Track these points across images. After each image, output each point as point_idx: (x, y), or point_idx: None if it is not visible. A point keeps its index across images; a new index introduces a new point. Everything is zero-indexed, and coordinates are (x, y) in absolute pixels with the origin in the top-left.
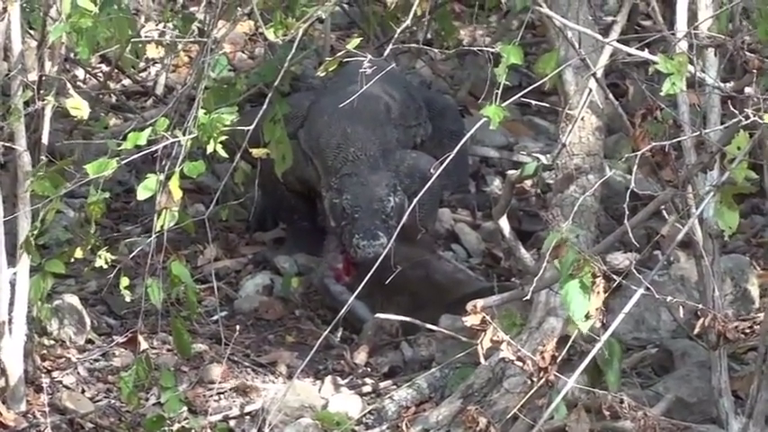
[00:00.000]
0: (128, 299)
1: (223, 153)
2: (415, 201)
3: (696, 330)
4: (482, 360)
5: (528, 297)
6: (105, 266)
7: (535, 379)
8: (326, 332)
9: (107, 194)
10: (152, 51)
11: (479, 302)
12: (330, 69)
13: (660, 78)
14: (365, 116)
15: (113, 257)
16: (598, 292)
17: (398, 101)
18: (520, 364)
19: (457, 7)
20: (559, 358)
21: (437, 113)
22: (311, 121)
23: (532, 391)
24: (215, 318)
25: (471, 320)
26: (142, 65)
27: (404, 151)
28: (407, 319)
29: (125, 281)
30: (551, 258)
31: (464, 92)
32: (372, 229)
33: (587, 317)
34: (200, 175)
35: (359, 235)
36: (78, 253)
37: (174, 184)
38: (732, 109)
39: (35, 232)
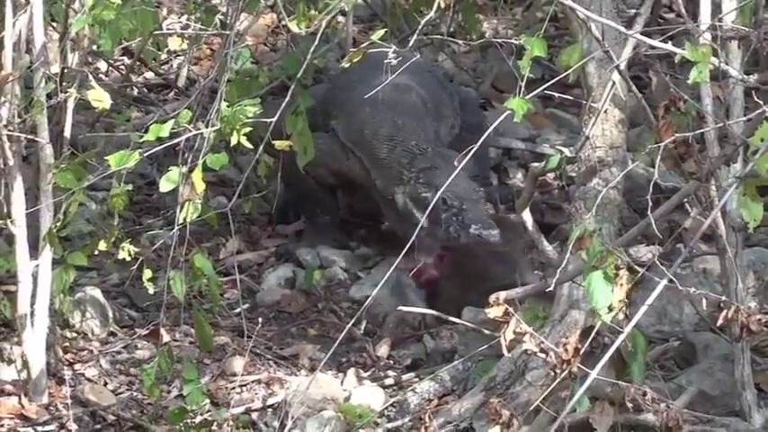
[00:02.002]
0: (151, 291)
1: (247, 144)
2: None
3: (719, 323)
4: (505, 352)
5: (551, 289)
6: (128, 259)
7: (558, 371)
8: (349, 325)
9: (129, 187)
10: (174, 44)
11: (502, 294)
12: (354, 61)
13: (683, 70)
14: (407, 108)
15: (136, 250)
16: (621, 284)
17: (432, 92)
18: (543, 356)
19: (480, 0)
20: (582, 350)
21: (461, 106)
22: (350, 114)
23: (555, 384)
24: (237, 310)
25: (494, 312)
26: (164, 57)
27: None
28: (430, 311)
29: (148, 273)
30: (575, 250)
31: (487, 84)
32: (485, 219)
33: (610, 308)
34: (223, 168)
35: (476, 225)
36: (102, 246)
37: (198, 176)
38: (757, 100)
39: (58, 225)
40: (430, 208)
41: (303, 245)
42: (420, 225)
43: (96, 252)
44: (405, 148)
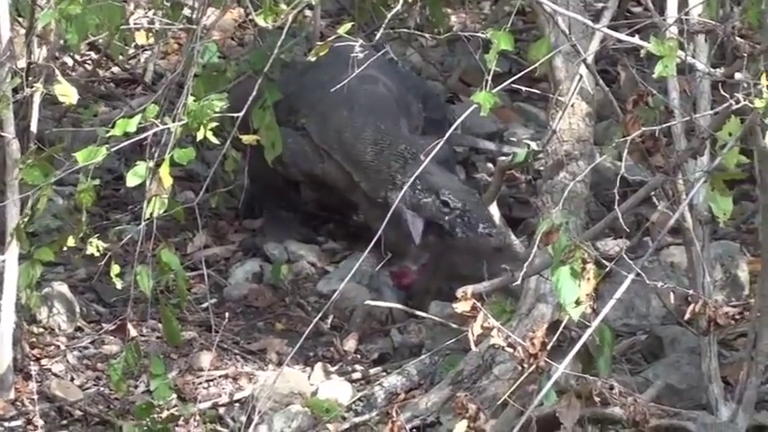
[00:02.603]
0: (119, 286)
1: (214, 140)
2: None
3: (687, 316)
4: (473, 346)
5: (518, 283)
6: (96, 254)
7: (525, 365)
8: (316, 319)
9: (97, 182)
10: (141, 38)
11: (469, 288)
12: (321, 55)
13: (651, 64)
14: (385, 110)
15: (105, 246)
16: (588, 279)
17: (400, 91)
18: (510, 350)
19: None
20: (550, 345)
21: (421, 100)
22: (323, 116)
23: (523, 378)
24: (204, 305)
25: (462, 307)
26: (131, 52)
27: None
28: (397, 305)
29: (116, 269)
30: (542, 244)
31: (454, 78)
32: (489, 217)
33: (578, 303)
34: (190, 163)
35: (484, 224)
36: (70, 241)
37: (165, 171)
38: (723, 94)
39: (26, 220)
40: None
41: (266, 239)
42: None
43: (64, 248)
44: (394, 152)
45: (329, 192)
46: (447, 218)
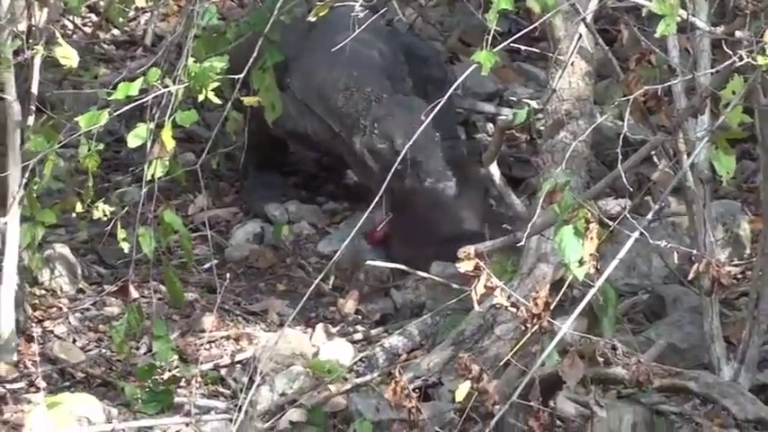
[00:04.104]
0: (126, 250)
1: (216, 100)
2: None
3: (690, 276)
4: (476, 306)
5: (522, 243)
6: (103, 218)
7: (528, 325)
8: (318, 280)
9: (101, 146)
10: (141, 1)
11: (472, 248)
12: (321, 15)
13: (651, 23)
14: (364, 59)
15: (111, 209)
16: (592, 238)
17: (386, 53)
18: (513, 310)
19: None
20: (553, 305)
21: (420, 61)
22: (306, 74)
23: (526, 338)
24: (206, 266)
25: (465, 267)
26: (131, 14)
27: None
28: (398, 265)
29: (122, 233)
30: (546, 204)
31: (454, 38)
32: (441, 169)
33: (581, 263)
34: (191, 124)
35: (432, 177)
36: (78, 207)
37: (167, 134)
38: (726, 50)
39: (35, 187)
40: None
41: (250, 201)
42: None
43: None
44: (361, 95)
45: (317, 150)
46: (399, 167)
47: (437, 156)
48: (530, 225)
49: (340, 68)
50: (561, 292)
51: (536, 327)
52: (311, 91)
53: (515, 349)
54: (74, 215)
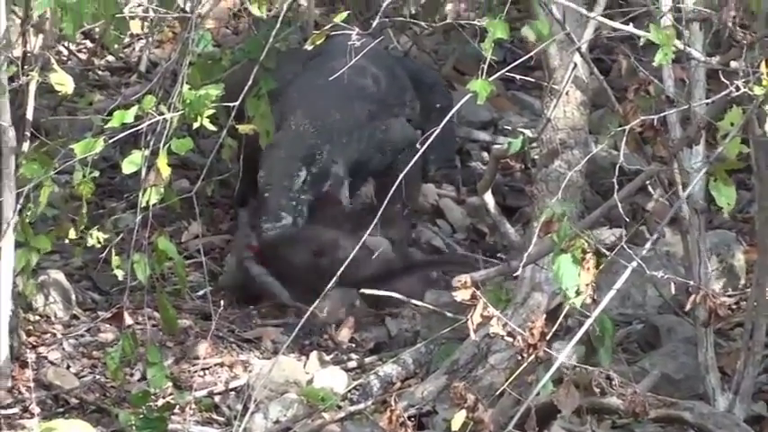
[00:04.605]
0: (120, 278)
1: (211, 128)
2: (401, 176)
3: (687, 307)
4: (472, 335)
5: (518, 273)
6: (98, 245)
7: (525, 355)
8: (312, 308)
9: (96, 173)
10: (136, 27)
11: (467, 277)
12: (317, 43)
13: (646, 53)
14: (331, 91)
15: (105, 237)
16: (588, 268)
17: (376, 77)
18: (510, 339)
19: None
20: (549, 335)
21: (426, 88)
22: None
23: (522, 368)
24: (200, 293)
25: (461, 295)
26: (126, 41)
27: (379, 123)
28: (393, 294)
29: (117, 260)
30: (542, 233)
31: (449, 67)
32: (277, 210)
33: (578, 292)
34: (187, 152)
35: (264, 217)
36: (71, 233)
37: (162, 161)
38: (723, 80)
39: (29, 213)
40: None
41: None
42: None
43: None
44: (284, 126)
45: None
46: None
47: (283, 195)
48: (525, 254)
49: (300, 96)
50: (558, 322)
51: (532, 356)
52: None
53: (511, 379)
54: (68, 241)
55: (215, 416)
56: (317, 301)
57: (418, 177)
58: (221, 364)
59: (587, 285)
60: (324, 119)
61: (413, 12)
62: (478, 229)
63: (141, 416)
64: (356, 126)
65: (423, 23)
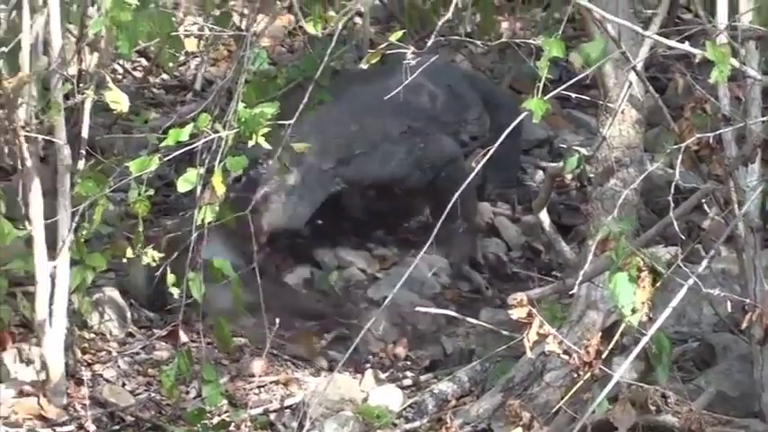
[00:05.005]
0: (175, 296)
1: (266, 146)
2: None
3: (744, 325)
4: (528, 353)
5: (573, 291)
6: (153, 264)
7: (581, 373)
8: (367, 326)
9: (152, 192)
10: (191, 45)
11: (523, 295)
12: (372, 62)
13: (702, 71)
14: (361, 105)
15: (160, 256)
16: (644, 286)
17: (431, 94)
18: (566, 357)
19: (496, 0)
20: (605, 353)
21: (493, 108)
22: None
23: (578, 386)
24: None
25: (517, 313)
26: (181, 59)
27: (417, 140)
28: (450, 312)
29: (172, 278)
30: (599, 252)
31: (504, 85)
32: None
33: (634, 310)
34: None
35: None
36: (129, 253)
37: (218, 179)
38: None
39: (84, 233)
40: None
41: (313, 246)
42: None
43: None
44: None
45: (378, 197)
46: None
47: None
48: (581, 272)
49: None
50: (614, 341)
51: (588, 374)
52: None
53: (567, 396)
54: (124, 260)
55: None
56: (372, 320)
57: (473, 195)
58: (276, 382)
59: (643, 303)
60: (335, 130)
61: (468, 30)
62: (534, 247)
63: None
64: (381, 141)
65: (478, 42)
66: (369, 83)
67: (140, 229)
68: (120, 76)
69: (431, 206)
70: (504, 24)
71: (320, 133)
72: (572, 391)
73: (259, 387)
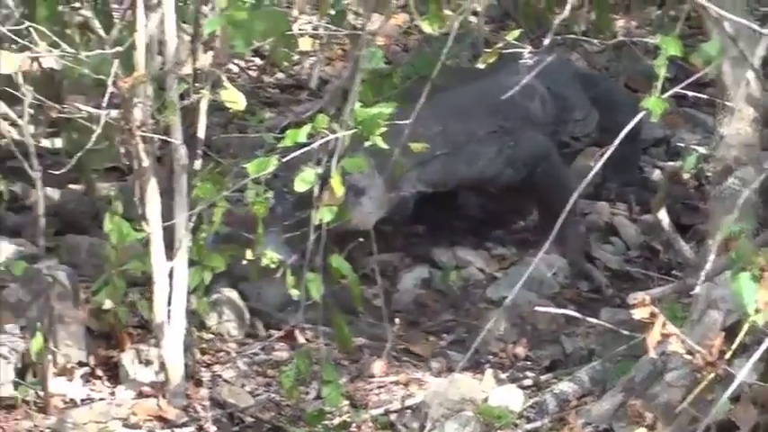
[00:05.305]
0: (295, 297)
1: (383, 145)
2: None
3: None
4: (651, 353)
5: (695, 291)
6: (271, 265)
7: (704, 373)
8: (488, 327)
9: (270, 194)
10: (306, 45)
11: (643, 294)
12: (489, 61)
13: None
14: (450, 105)
15: (279, 257)
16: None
17: (550, 100)
18: (689, 357)
19: None
20: (729, 354)
21: (611, 107)
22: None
23: (702, 386)
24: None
25: (640, 313)
26: (295, 58)
27: (507, 139)
28: (570, 312)
29: (291, 279)
30: (721, 251)
31: (620, 84)
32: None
33: (757, 310)
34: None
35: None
36: (249, 255)
37: (336, 181)
38: None
39: (203, 235)
40: None
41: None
42: None
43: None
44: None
45: (496, 196)
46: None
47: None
48: (702, 272)
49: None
50: (738, 341)
51: (711, 374)
52: None
53: (692, 396)
54: (245, 262)
55: None
56: (492, 320)
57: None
58: (397, 382)
59: (765, 304)
60: (417, 132)
61: (583, 29)
62: (652, 246)
63: None
64: (466, 141)
65: (595, 41)
66: (463, 84)
67: (260, 230)
68: (235, 76)
69: (532, 204)
70: (620, 22)
71: (401, 134)
72: (695, 392)
73: (379, 387)
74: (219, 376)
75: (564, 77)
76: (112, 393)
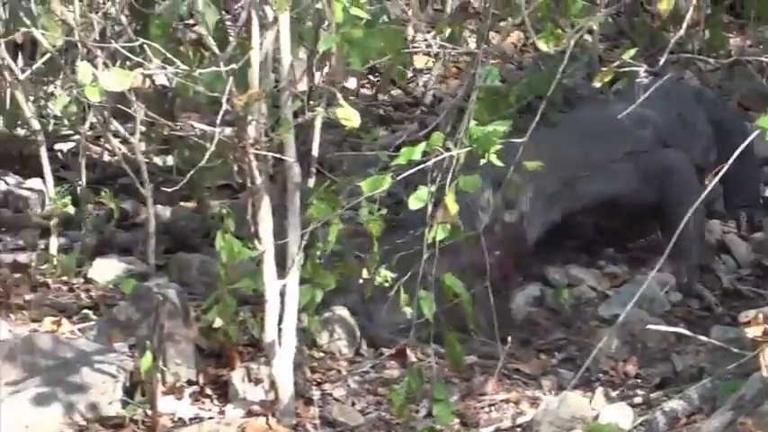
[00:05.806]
0: (408, 315)
1: (498, 164)
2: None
3: None
4: (763, 371)
5: None
6: (387, 284)
7: None
8: (600, 345)
9: (385, 211)
10: (420, 62)
11: (756, 312)
12: (605, 80)
13: None
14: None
15: (393, 276)
16: None
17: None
18: None
19: (725, 17)
20: None
21: (726, 133)
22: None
23: None
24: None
25: (752, 331)
26: (409, 75)
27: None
28: (681, 330)
29: (405, 298)
30: None
31: (733, 102)
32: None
33: None
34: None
35: None
36: (364, 273)
37: (451, 199)
38: None
39: (318, 253)
40: None
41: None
42: None
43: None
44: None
45: (607, 215)
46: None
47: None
48: None
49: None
50: None
51: None
52: None
53: None
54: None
55: None
56: (604, 338)
57: (701, 212)
58: (507, 401)
59: None
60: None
61: (697, 47)
62: (763, 264)
63: None
64: (605, 162)
65: (710, 60)
66: (593, 110)
67: (375, 249)
68: (349, 95)
69: (660, 222)
70: (733, 41)
71: (541, 157)
72: None
73: (490, 405)
74: (330, 395)
75: (689, 101)
76: (221, 412)
